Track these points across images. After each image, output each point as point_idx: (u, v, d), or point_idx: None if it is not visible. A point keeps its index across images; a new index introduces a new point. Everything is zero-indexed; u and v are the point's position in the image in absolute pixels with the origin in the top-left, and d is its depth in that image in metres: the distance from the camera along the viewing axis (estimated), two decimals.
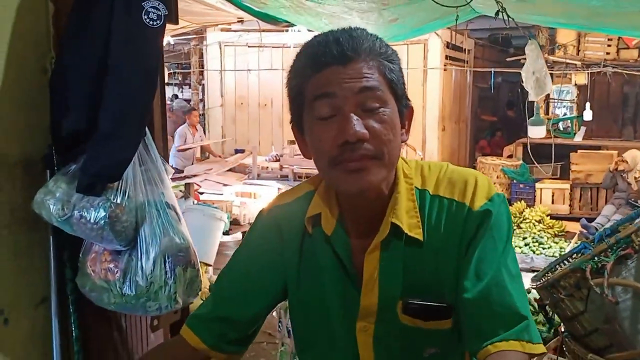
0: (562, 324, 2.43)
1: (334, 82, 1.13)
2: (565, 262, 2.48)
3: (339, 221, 1.26)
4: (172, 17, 2.06)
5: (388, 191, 1.22)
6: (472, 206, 1.20)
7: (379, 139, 1.14)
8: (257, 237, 1.35)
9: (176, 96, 14.58)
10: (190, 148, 9.81)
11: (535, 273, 2.53)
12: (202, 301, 1.39)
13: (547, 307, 2.37)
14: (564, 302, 2.20)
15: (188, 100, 14.21)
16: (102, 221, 1.86)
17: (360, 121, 1.13)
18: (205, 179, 8.87)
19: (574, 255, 2.48)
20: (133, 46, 1.84)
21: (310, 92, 1.17)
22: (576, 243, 7.44)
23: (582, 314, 2.16)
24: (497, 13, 3.98)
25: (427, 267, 1.21)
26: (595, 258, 2.07)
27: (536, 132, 6.50)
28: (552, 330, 2.48)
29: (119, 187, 1.90)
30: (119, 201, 1.89)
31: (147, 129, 1.99)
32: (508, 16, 4.00)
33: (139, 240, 1.95)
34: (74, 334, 2.07)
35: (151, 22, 1.86)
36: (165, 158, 2.18)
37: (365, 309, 1.24)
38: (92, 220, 1.86)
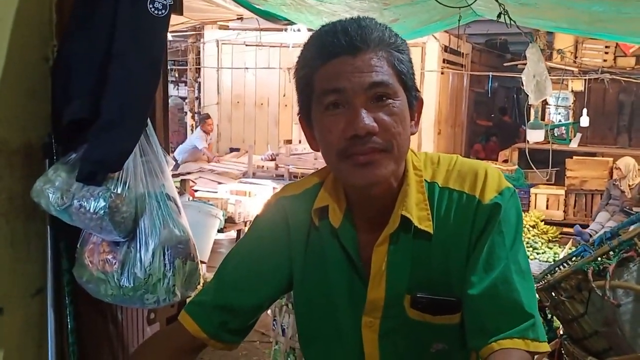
0: (561, 327, 2.42)
1: (343, 76, 1.11)
2: (565, 264, 2.47)
3: (347, 214, 1.24)
4: (177, 7, 2.05)
5: (397, 184, 1.20)
6: (482, 199, 1.18)
7: (389, 132, 1.12)
8: (263, 226, 1.33)
9: None
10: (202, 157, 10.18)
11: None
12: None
13: (546, 309, 2.36)
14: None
15: (184, 98, 14.16)
16: (102, 211, 1.84)
17: (370, 114, 1.11)
18: (200, 177, 8.86)
19: (574, 258, 2.47)
20: (138, 35, 1.83)
21: (318, 84, 1.15)
22: (570, 249, 7.45)
23: (582, 317, 2.15)
24: (499, 15, 3.97)
25: (435, 261, 1.20)
26: (598, 260, 2.06)
27: (535, 136, 6.49)
28: (551, 333, 2.46)
29: (120, 177, 1.89)
30: (119, 191, 1.87)
31: (148, 120, 1.97)
32: (510, 19, 3.99)
33: (138, 231, 1.93)
34: (69, 326, 2.05)
35: (156, 12, 1.84)
36: (166, 149, 2.16)
37: (371, 303, 1.22)
38: (91, 210, 1.84)
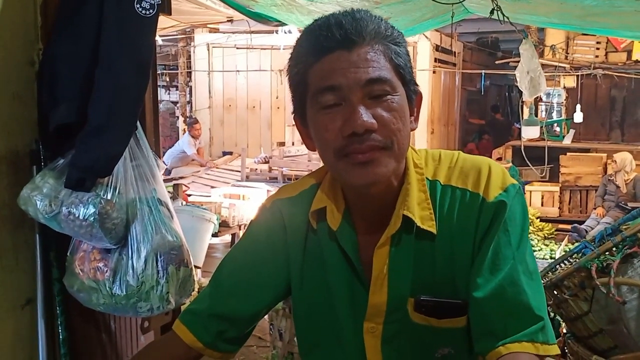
0: (564, 325, 2.38)
1: (339, 72, 1.07)
2: (566, 262, 2.43)
3: (345, 215, 1.20)
4: (165, 7, 2.00)
5: (397, 182, 1.16)
6: (486, 196, 1.14)
7: (388, 128, 1.08)
8: (259, 231, 1.28)
9: None
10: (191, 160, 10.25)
11: None
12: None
13: (548, 308, 2.32)
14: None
15: (175, 102, 14.11)
16: (92, 218, 1.79)
17: (368, 110, 1.06)
18: (193, 181, 8.82)
19: (574, 255, 2.44)
20: (125, 36, 1.77)
21: (313, 81, 1.10)
22: (566, 245, 7.44)
23: (586, 315, 2.11)
24: (491, 12, 3.93)
25: (439, 262, 1.15)
26: (601, 257, 2.02)
27: (531, 133, 6.47)
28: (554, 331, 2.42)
29: (109, 182, 1.84)
30: (109, 197, 1.82)
31: (138, 123, 1.92)
32: (503, 15, 3.96)
33: (129, 238, 1.88)
34: (60, 336, 2.00)
35: (144, 12, 1.79)
36: (157, 153, 2.11)
37: (373, 308, 1.17)
38: (81, 217, 1.79)
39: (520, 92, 5.21)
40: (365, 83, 1.06)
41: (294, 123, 1.22)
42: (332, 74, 1.07)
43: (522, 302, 1.10)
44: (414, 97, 1.15)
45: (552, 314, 2.34)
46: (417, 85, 1.17)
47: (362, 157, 1.07)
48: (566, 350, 2.30)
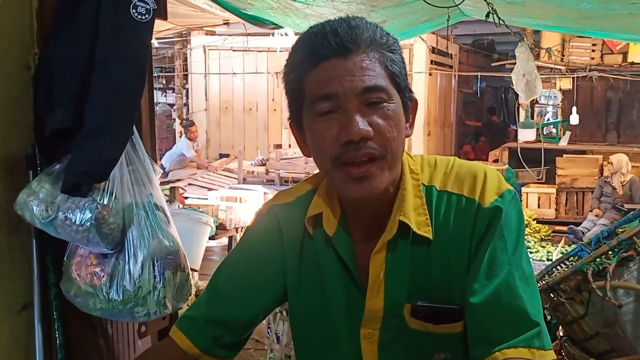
0: (560, 328, 2.39)
1: (335, 80, 1.07)
2: (562, 264, 2.44)
3: (341, 221, 1.20)
4: (161, 12, 2.00)
5: (393, 188, 1.16)
6: (482, 202, 1.14)
7: (383, 136, 1.08)
8: (256, 236, 1.28)
9: None
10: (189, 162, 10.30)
11: None
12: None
13: (544, 311, 2.32)
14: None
15: (172, 105, 14.10)
16: (88, 223, 1.79)
17: (364, 118, 1.07)
18: (190, 184, 8.81)
19: (571, 258, 2.44)
20: (121, 41, 1.77)
21: (309, 89, 1.11)
22: (563, 247, 7.45)
23: (582, 318, 2.11)
24: (487, 15, 3.94)
25: (435, 268, 1.15)
26: (597, 260, 2.03)
27: (527, 135, 6.50)
28: (550, 335, 2.43)
29: (106, 187, 1.83)
30: (105, 202, 1.82)
31: (134, 127, 1.92)
32: (499, 18, 3.96)
33: (126, 242, 1.88)
34: (57, 341, 2.00)
35: (139, 17, 1.79)
36: (154, 158, 2.11)
37: (370, 314, 1.17)
38: (77, 222, 1.79)
39: (517, 94, 5.22)
40: (361, 91, 1.07)
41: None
42: (328, 82, 1.08)
43: (518, 307, 1.10)
44: (409, 104, 1.16)
45: (548, 317, 2.34)
46: (412, 92, 1.17)
47: (357, 173, 1.08)
48: (563, 354, 2.30)
